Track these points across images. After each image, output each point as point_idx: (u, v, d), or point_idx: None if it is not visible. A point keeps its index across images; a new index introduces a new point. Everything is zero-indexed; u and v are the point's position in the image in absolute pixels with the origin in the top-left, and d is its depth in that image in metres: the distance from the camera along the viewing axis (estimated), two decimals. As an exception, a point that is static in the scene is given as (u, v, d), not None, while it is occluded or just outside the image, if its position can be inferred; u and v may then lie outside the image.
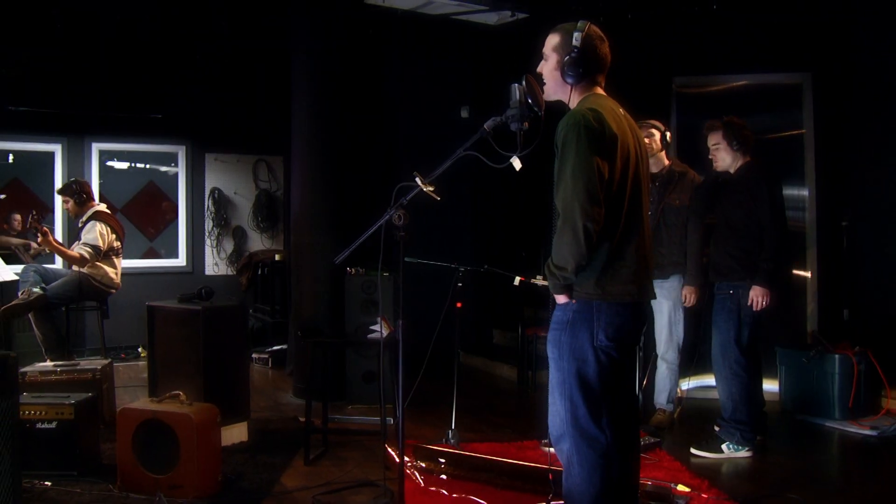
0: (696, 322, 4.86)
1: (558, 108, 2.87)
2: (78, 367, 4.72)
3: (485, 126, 2.88)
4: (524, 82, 2.76)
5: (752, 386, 4.29)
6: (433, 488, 3.63)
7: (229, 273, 8.07)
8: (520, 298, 6.74)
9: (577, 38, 2.65)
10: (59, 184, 7.53)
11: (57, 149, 7.49)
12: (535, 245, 6.46)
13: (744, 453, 4.25)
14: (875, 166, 5.59)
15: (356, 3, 5.92)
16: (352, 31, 5.89)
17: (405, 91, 7.07)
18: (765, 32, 5.73)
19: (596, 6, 5.98)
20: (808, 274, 5.63)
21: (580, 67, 2.67)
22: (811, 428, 4.93)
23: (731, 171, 4.32)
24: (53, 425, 3.87)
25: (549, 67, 2.77)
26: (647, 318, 2.92)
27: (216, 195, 8.06)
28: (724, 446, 4.26)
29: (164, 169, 8.01)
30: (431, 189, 3.00)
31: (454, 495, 3.53)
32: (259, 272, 7.69)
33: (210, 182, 8.10)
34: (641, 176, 2.69)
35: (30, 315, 5.47)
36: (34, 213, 5.73)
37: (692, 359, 4.94)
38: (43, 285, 5.46)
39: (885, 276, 5.50)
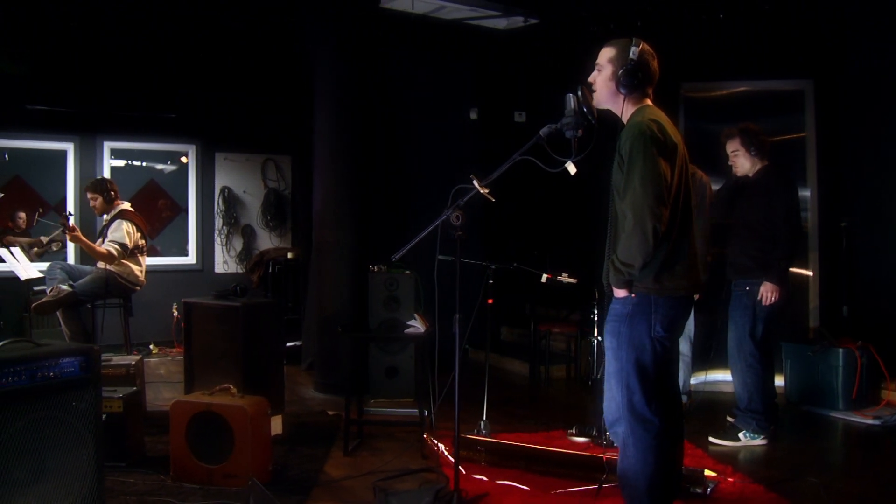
0: (709, 319, 5.11)
1: (610, 116, 3.09)
2: (112, 363, 4.81)
3: (540, 133, 3.06)
4: (579, 92, 2.95)
5: (766, 378, 4.54)
6: (475, 475, 3.81)
7: (239, 271, 8.18)
8: (529, 296, 6.95)
9: (633, 52, 2.86)
10: (70, 182, 7.61)
11: (69, 147, 7.56)
12: (546, 245, 6.66)
13: (759, 441, 4.49)
14: (873, 169, 5.87)
15: (372, 7, 6.09)
16: (368, 34, 6.06)
17: (416, 92, 7.23)
18: (769, 41, 5.99)
19: (606, 14, 6.21)
20: (811, 273, 5.90)
21: (634, 79, 2.88)
22: (817, 418, 5.20)
23: (750, 175, 4.57)
24: (103, 418, 3.98)
25: (603, 77, 2.96)
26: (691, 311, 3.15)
27: (226, 194, 8.17)
28: (740, 435, 4.51)
29: (163, 167, 8.09)
30: (487, 191, 3.18)
31: (497, 482, 3.72)
32: (270, 270, 7.81)
33: (220, 181, 8.20)
34: (689, 181, 2.92)
35: (57, 311, 5.56)
36: (67, 212, 5.81)
37: (707, 354, 5.19)
38: (70, 282, 5.56)
39: (883, 274, 5.79)
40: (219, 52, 7.41)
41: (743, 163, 4.56)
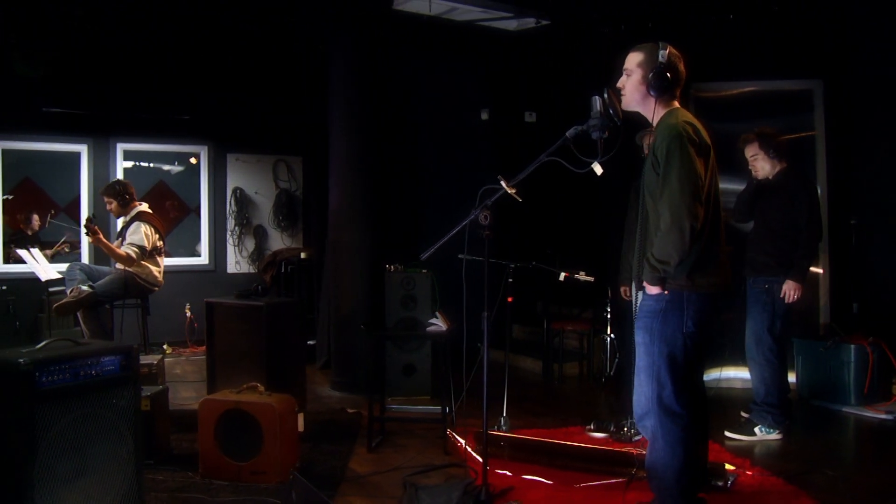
0: (724, 317, 5.20)
1: (637, 118, 3.17)
2: (135, 362, 4.88)
3: (566, 134, 3.13)
4: (605, 95, 3.02)
5: (782, 373, 4.63)
6: (499, 470, 3.88)
7: (251, 271, 8.24)
8: (541, 295, 7.01)
9: (662, 55, 2.94)
10: (84, 183, 7.67)
11: (83, 149, 7.61)
12: (559, 243, 6.73)
13: (774, 436, 4.57)
14: (882, 168, 5.95)
15: (385, 9, 6.16)
16: (382, 35, 6.13)
17: (428, 93, 7.30)
18: (778, 42, 6.07)
19: (618, 16, 6.29)
20: (821, 270, 5.98)
21: (665, 82, 2.95)
22: (829, 413, 5.27)
23: (770, 177, 4.66)
24: (135, 416, 4.05)
25: (633, 82, 3.03)
26: (722, 309, 3.23)
27: (238, 194, 8.24)
28: (756, 429, 4.58)
29: (170, 167, 8.14)
30: (514, 191, 3.25)
31: (521, 476, 3.79)
32: (283, 270, 7.88)
33: (232, 182, 8.27)
34: (718, 181, 3.01)
35: (77, 312, 5.62)
36: (91, 216, 5.87)
37: (722, 352, 5.27)
38: (90, 283, 5.62)
39: (892, 271, 5.86)
40: (231, 54, 7.48)
41: (763, 166, 4.65)
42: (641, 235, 3.08)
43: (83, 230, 5.73)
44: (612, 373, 6.21)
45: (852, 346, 5.28)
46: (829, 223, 6.00)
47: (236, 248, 8.26)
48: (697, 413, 2.93)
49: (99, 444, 2.91)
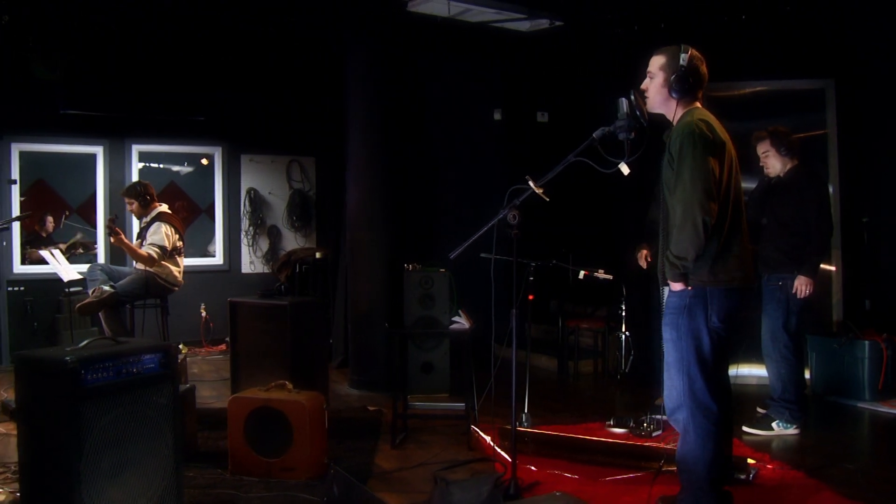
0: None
1: (661, 119, 3.23)
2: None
3: (593, 135, 3.19)
4: (632, 96, 3.09)
5: (799, 369, 4.70)
6: (524, 465, 3.94)
7: (265, 271, 8.31)
8: (555, 293, 7.08)
9: (683, 59, 3.00)
10: (100, 184, 7.74)
11: (99, 150, 7.69)
12: (573, 242, 6.78)
13: (792, 431, 4.64)
14: (894, 166, 6.02)
15: (399, 11, 6.22)
16: (397, 37, 6.20)
17: (442, 93, 7.37)
18: (791, 41, 6.13)
19: (630, 16, 6.35)
20: (833, 267, 6.04)
21: (686, 84, 3.02)
22: (843, 409, 5.34)
23: (781, 174, 4.72)
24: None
25: (655, 84, 3.10)
26: (750, 302, 3.31)
27: (252, 195, 8.31)
28: (774, 424, 4.65)
29: (179, 168, 8.20)
30: (542, 191, 3.32)
31: (546, 471, 3.86)
32: (297, 270, 7.94)
33: (246, 182, 8.34)
34: (739, 177, 3.07)
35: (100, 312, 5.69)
36: (113, 215, 5.94)
37: (738, 349, 5.33)
38: (112, 283, 5.68)
39: (904, 268, 5.94)
40: (245, 56, 7.56)
41: (774, 163, 4.72)
42: (664, 232, 3.15)
43: (106, 231, 5.80)
44: (627, 370, 6.27)
45: (867, 343, 5.34)
46: (841, 221, 6.07)
47: (250, 249, 8.34)
48: (727, 408, 3.00)
49: (139, 441, 2.97)
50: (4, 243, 7.31)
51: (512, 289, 3.49)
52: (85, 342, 3.02)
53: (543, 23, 6.72)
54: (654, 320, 5.52)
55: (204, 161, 8.31)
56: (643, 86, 3.17)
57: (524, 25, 7.02)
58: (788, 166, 4.71)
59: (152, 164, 8.09)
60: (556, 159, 3.23)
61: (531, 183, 3.28)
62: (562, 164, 3.27)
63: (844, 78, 6.15)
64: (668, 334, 3.02)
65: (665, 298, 3.14)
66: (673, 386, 3.00)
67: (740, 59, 6.32)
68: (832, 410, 5.34)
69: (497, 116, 7.54)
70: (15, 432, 4.66)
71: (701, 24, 6.22)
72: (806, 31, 6.04)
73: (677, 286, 2.97)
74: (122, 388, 2.90)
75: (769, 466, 3.95)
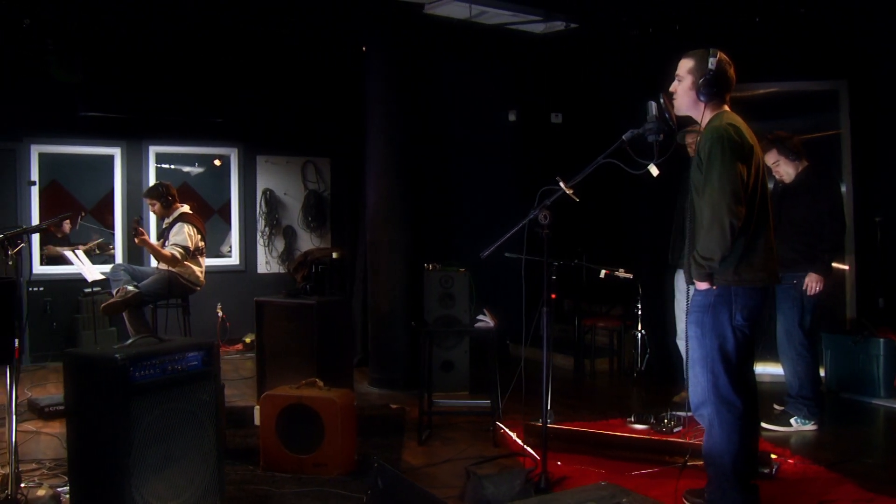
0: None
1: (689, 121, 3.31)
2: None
3: (623, 137, 3.28)
4: (661, 100, 3.17)
5: (814, 366, 4.78)
6: (551, 461, 4.02)
7: (280, 271, 8.39)
8: (571, 292, 7.15)
9: (712, 62, 3.08)
10: (118, 185, 7.82)
11: (117, 152, 7.77)
12: (591, 242, 6.86)
13: (810, 427, 4.72)
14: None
15: (417, 13, 6.30)
16: (415, 39, 6.29)
17: (458, 95, 7.45)
18: (804, 43, 6.20)
19: (645, 19, 6.43)
20: (847, 266, 6.12)
21: (714, 87, 3.10)
22: (858, 405, 5.42)
23: (794, 177, 4.81)
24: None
25: (684, 87, 3.18)
26: (771, 301, 3.39)
27: (268, 196, 8.40)
28: (792, 420, 4.73)
29: (190, 169, 8.26)
30: (571, 191, 3.40)
31: (573, 466, 3.94)
32: (313, 270, 8.00)
33: (261, 183, 8.43)
34: (766, 179, 3.16)
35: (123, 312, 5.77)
36: (138, 218, 6.02)
37: (755, 347, 5.39)
38: (135, 283, 5.76)
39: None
40: (262, 59, 7.65)
41: (786, 170, 4.81)
42: (691, 232, 3.23)
43: (131, 232, 5.87)
44: (643, 368, 6.36)
45: (881, 340, 5.42)
46: (854, 220, 6.14)
47: (266, 249, 8.42)
48: (751, 403, 3.08)
49: (183, 436, 3.06)
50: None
51: (535, 288, 3.56)
52: (130, 340, 3.11)
53: (559, 25, 6.80)
54: (669, 316, 5.61)
55: (217, 162, 8.38)
56: (671, 88, 3.25)
57: (539, 28, 7.10)
58: (800, 168, 4.79)
59: (163, 165, 8.15)
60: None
61: (562, 184, 3.36)
62: (592, 164, 3.35)
63: (857, 79, 6.22)
64: (692, 331, 3.10)
65: (691, 297, 3.22)
66: (698, 382, 3.08)
67: (754, 61, 6.38)
68: (847, 407, 5.41)
69: (512, 118, 7.63)
70: (45, 429, 4.79)
71: (715, 27, 6.29)
72: (819, 33, 6.12)
73: (703, 285, 3.05)
74: (167, 385, 2.99)
75: (791, 461, 4.04)
